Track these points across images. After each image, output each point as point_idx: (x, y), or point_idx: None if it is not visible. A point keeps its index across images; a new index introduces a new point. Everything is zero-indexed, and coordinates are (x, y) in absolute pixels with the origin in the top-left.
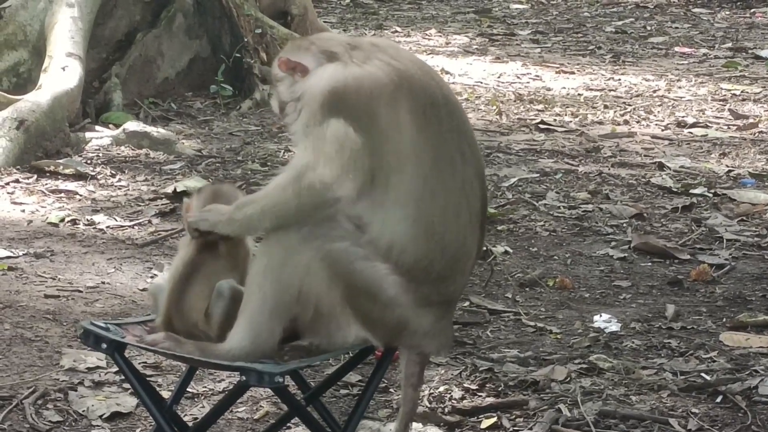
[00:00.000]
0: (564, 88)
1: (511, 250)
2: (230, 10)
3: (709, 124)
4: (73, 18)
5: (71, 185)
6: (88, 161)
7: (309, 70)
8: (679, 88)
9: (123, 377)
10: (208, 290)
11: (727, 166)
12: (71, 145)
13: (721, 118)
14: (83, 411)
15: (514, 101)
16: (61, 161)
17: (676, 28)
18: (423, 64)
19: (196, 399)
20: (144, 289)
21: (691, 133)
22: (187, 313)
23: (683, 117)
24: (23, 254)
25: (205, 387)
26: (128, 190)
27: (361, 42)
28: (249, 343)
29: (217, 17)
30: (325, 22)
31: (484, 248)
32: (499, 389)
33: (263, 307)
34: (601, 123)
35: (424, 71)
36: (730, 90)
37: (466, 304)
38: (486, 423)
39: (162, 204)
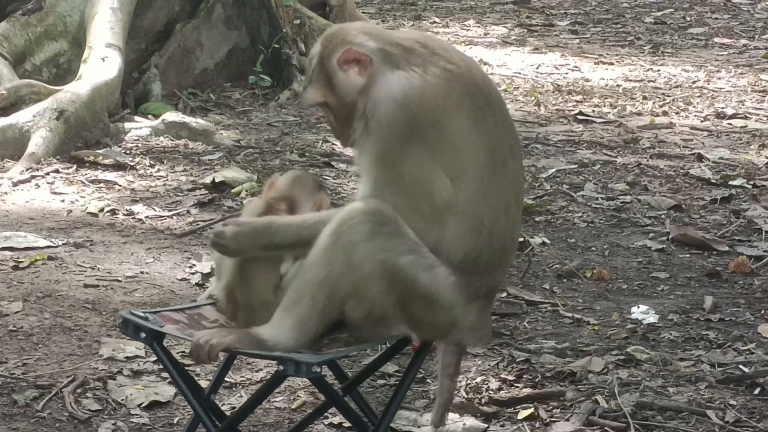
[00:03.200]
0: (603, 79)
1: (548, 241)
2: (269, 0)
3: (749, 115)
4: (112, 9)
5: (110, 175)
6: (127, 151)
7: (374, 70)
8: (719, 79)
9: (161, 366)
10: (272, 262)
11: (767, 157)
12: (110, 136)
13: (761, 109)
14: (122, 400)
15: (553, 92)
16: (100, 151)
17: (716, 18)
18: (470, 59)
19: (233, 388)
20: (183, 279)
21: (730, 124)
22: (251, 285)
23: (722, 108)
24: (63, 244)
25: (243, 377)
26: (167, 180)
27: (409, 41)
28: (294, 342)
29: (256, 8)
30: (363, 12)
31: (522, 239)
32: (536, 380)
33: (314, 310)
34: (639, 114)
35: (475, 68)
36: None
37: (504, 295)
38: (523, 414)
39: (200, 194)
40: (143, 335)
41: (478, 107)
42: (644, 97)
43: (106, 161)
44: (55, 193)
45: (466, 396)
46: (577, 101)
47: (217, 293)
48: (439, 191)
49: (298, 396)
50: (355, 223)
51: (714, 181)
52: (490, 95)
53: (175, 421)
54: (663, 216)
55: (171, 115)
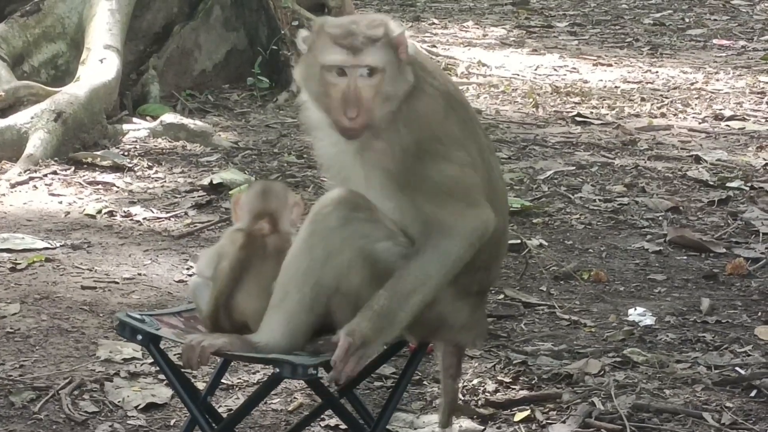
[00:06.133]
0: (601, 80)
1: (546, 243)
2: (267, 2)
3: (747, 117)
4: (110, 10)
5: (108, 177)
6: (126, 153)
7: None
8: (717, 80)
9: (158, 368)
10: (258, 289)
11: (764, 159)
12: (109, 137)
13: (759, 111)
14: (119, 401)
15: (551, 94)
16: (98, 153)
17: (715, 20)
18: (443, 73)
19: (230, 390)
20: (180, 281)
21: (728, 126)
22: (235, 312)
23: (720, 110)
24: (60, 245)
25: (240, 378)
26: (165, 182)
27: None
28: (285, 340)
29: (254, 9)
30: (362, 13)
31: (519, 241)
32: (533, 382)
33: (301, 304)
34: (637, 116)
35: (449, 82)
36: None
37: (501, 297)
38: (519, 416)
39: (198, 196)
40: (140, 337)
41: (461, 116)
42: (642, 99)
43: (104, 163)
44: (53, 195)
45: (462, 398)
46: (576, 103)
47: (202, 320)
48: (466, 174)
49: (294, 398)
50: (330, 211)
51: (711, 183)
52: (465, 104)
53: (171, 423)
54: (660, 218)
55: (169, 117)
